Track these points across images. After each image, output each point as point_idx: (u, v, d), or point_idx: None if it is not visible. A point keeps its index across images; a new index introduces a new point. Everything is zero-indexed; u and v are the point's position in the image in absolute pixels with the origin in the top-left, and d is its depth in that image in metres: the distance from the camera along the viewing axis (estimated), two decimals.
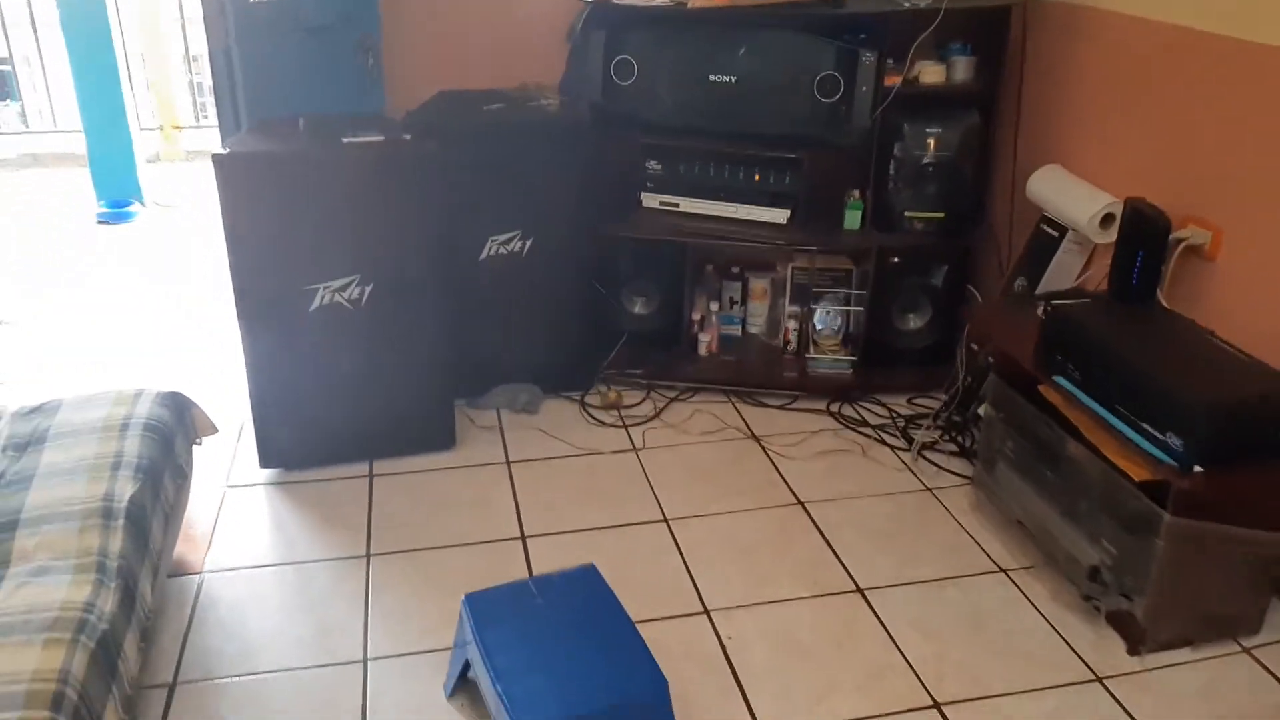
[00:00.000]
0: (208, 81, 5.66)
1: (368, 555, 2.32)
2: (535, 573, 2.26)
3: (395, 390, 2.61)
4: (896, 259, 2.95)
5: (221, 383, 2.98)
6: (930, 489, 2.61)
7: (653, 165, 2.91)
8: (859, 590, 2.23)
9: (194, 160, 5.36)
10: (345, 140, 2.38)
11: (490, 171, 2.70)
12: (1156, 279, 2.34)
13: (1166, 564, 1.93)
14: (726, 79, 2.79)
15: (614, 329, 3.08)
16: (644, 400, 3.02)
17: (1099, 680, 1.98)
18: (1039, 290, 2.75)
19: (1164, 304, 2.36)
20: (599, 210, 2.90)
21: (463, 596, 1.81)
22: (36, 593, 1.55)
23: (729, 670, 1.99)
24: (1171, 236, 2.33)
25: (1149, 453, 1.87)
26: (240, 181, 2.30)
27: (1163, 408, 1.83)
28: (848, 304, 3.13)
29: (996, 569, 2.31)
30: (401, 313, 2.52)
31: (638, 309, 3.14)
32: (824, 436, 2.85)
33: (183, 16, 5.49)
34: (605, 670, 1.66)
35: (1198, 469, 1.78)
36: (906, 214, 2.87)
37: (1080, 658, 2.04)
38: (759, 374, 3.09)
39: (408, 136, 2.45)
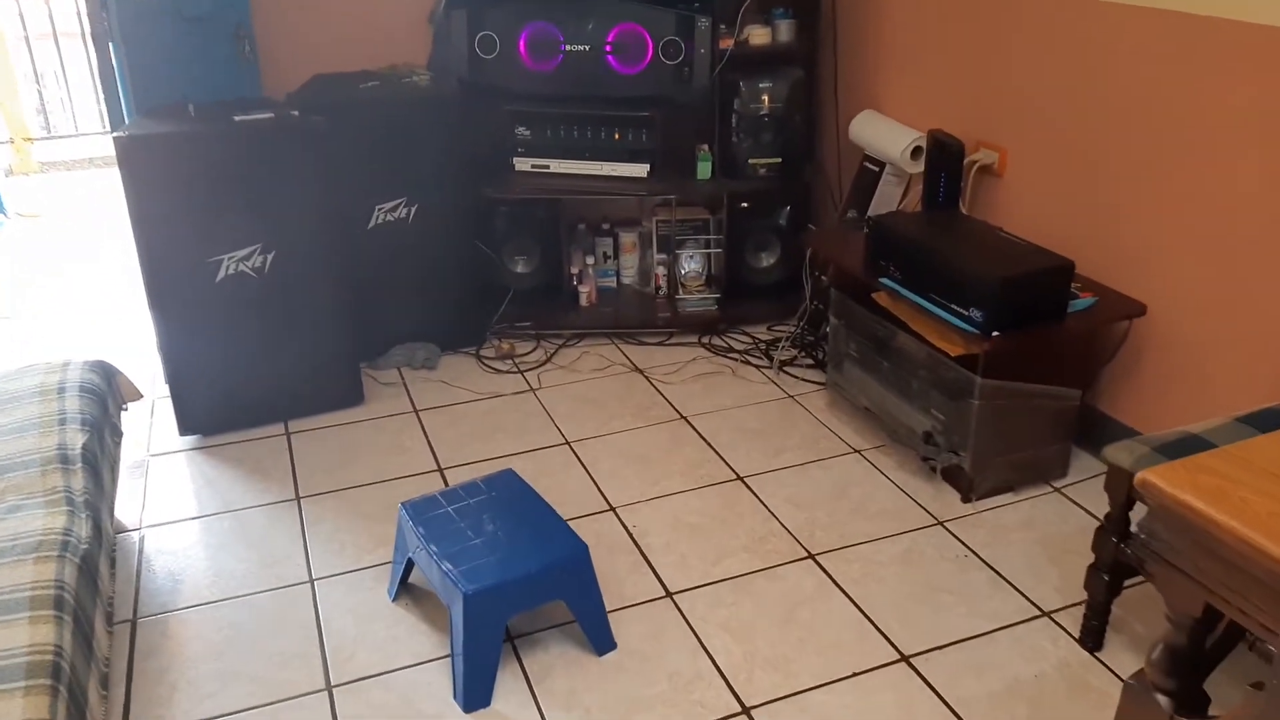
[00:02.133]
0: (55, 94, 5.61)
1: (297, 498, 2.52)
2: None
3: (303, 353, 2.80)
4: (744, 204, 3.32)
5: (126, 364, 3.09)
6: (792, 395, 3.00)
7: (522, 131, 3.19)
8: (739, 478, 2.58)
9: (48, 171, 5.30)
10: (237, 119, 2.56)
11: (371, 144, 2.92)
12: (957, 194, 2.79)
13: (981, 420, 2.35)
14: (581, 48, 3.09)
15: (501, 286, 3.35)
16: (535, 349, 3.30)
17: (940, 524, 2.40)
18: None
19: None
20: (477, 175, 3.16)
21: (399, 505, 2.06)
22: (15, 524, 1.71)
23: (636, 550, 2.31)
24: (967, 160, 2.78)
25: (960, 329, 2.28)
26: (141, 163, 2.45)
27: (965, 287, 2.25)
28: (708, 248, 3.49)
29: (851, 450, 2.71)
30: (302, 279, 2.72)
31: (520, 267, 3.41)
32: (698, 364, 3.20)
33: (26, 31, 5.42)
34: (533, 541, 1.95)
35: (995, 334, 2.20)
36: (750, 161, 3.24)
37: (924, 508, 2.45)
38: (636, 317, 3.42)
39: (295, 113, 2.64)
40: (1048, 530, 2.37)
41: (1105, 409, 2.58)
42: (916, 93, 3.09)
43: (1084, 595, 2.08)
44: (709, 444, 2.74)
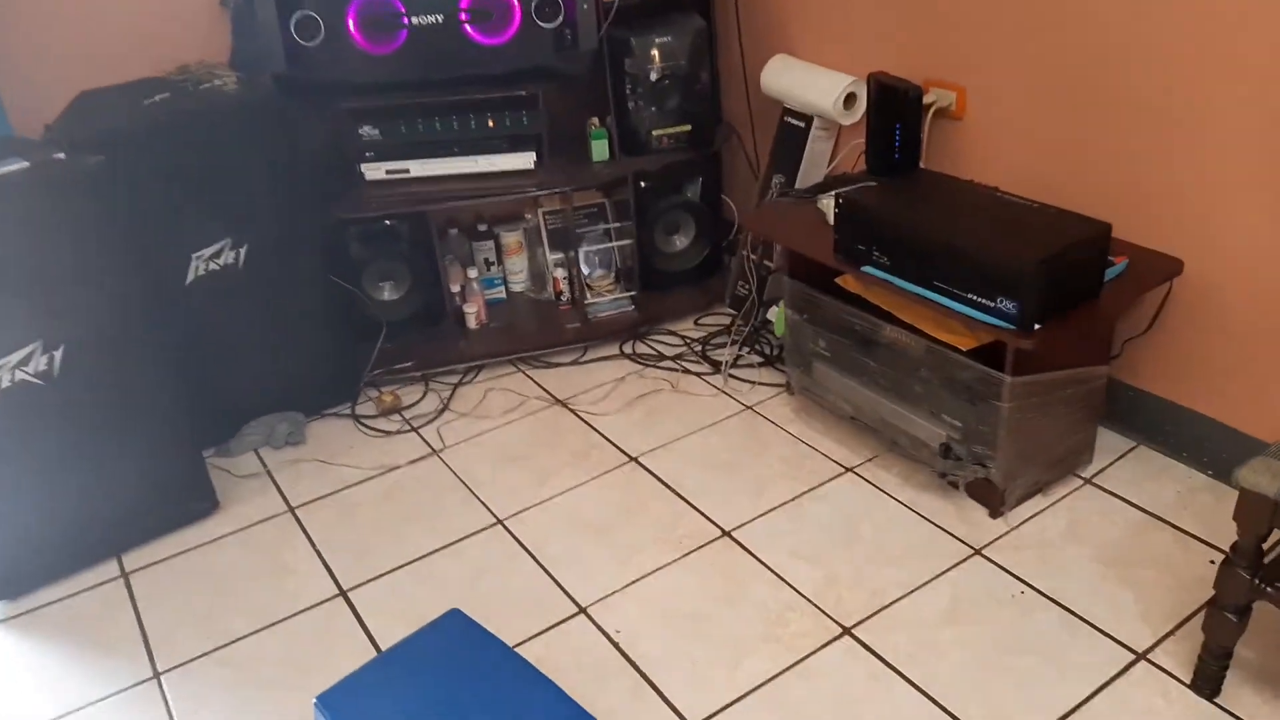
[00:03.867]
0: None
1: (156, 675, 1.86)
2: (374, 632, 1.92)
3: (124, 461, 2.11)
4: (644, 183, 2.78)
5: None
6: (750, 407, 2.51)
7: (368, 132, 2.52)
8: (725, 534, 2.09)
9: None
10: None
11: (172, 177, 2.20)
12: (919, 147, 2.34)
13: (1012, 423, 1.93)
14: (429, 19, 2.44)
15: (368, 324, 2.70)
16: (424, 395, 2.69)
17: (978, 553, 1.98)
18: (799, 183, 2.70)
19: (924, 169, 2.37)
20: (317, 195, 2.49)
21: (313, 700, 1.46)
22: None
23: (630, 666, 1.78)
24: None
25: (978, 320, 1.84)
26: None
27: (988, 274, 1.80)
28: (611, 239, 2.94)
29: (842, 469, 2.26)
30: (106, 370, 2.02)
31: (387, 295, 2.76)
32: (629, 383, 2.67)
33: None
34: None
35: (1037, 327, 1.77)
36: (654, 133, 2.70)
37: (952, 535, 2.03)
38: (540, 334, 2.84)
39: (61, 155, 1.91)
40: (1100, 539, 1.99)
41: (1128, 379, 2.22)
42: (841, 30, 2.60)
43: (1169, 621, 1.76)
44: (675, 493, 2.23)
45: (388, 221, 2.66)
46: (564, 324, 2.87)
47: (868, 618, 1.85)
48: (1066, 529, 2.02)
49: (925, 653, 1.76)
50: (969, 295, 1.85)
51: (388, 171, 2.57)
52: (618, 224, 2.94)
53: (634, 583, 1.98)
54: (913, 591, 1.90)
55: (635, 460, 2.35)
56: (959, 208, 1.99)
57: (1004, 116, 2.27)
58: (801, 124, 2.68)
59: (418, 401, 2.66)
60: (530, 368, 2.78)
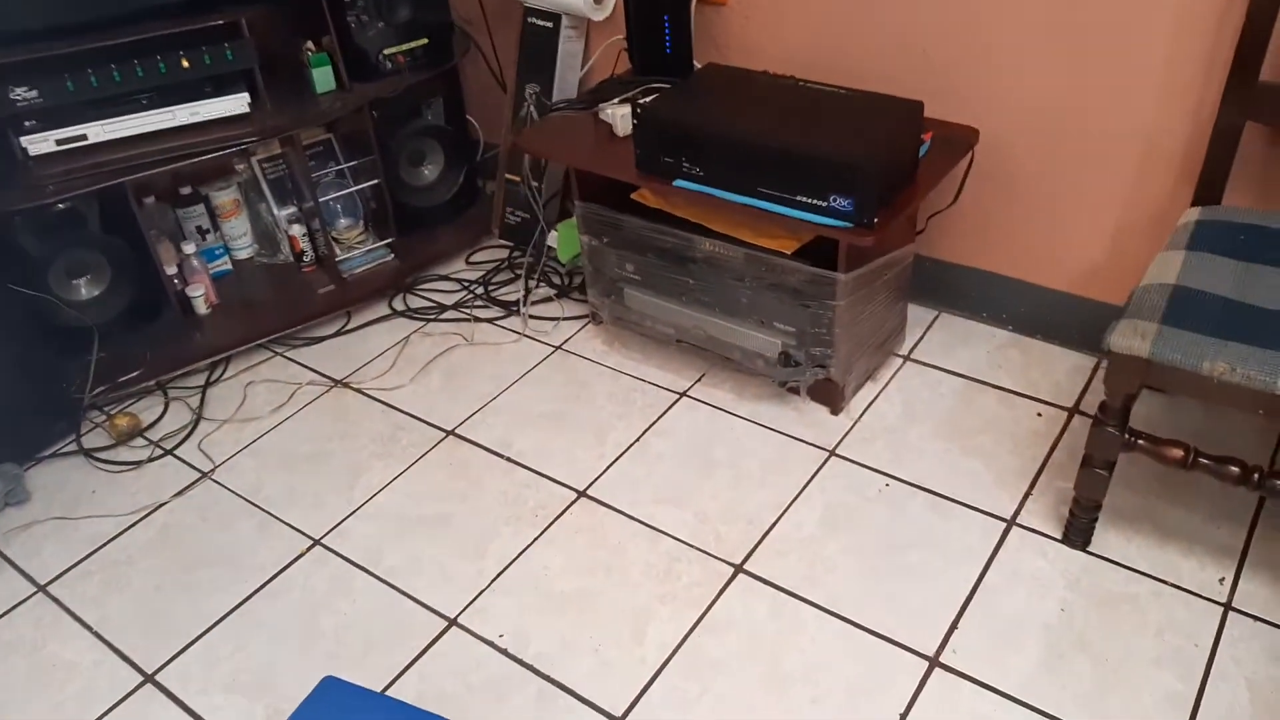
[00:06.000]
0: None
1: None
2: (207, 716, 1.57)
3: None
4: (375, 112, 2.40)
5: None
6: (559, 346, 2.31)
7: (23, 95, 1.95)
8: (582, 494, 1.91)
9: None
10: None
11: None
12: (690, 39, 2.18)
13: (845, 319, 1.89)
14: None
15: (73, 333, 2.17)
16: (167, 408, 2.23)
17: (834, 454, 1.95)
18: (557, 91, 2.45)
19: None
20: None
21: None
22: None
23: (528, 672, 1.59)
24: None
25: (810, 222, 1.75)
26: None
27: (819, 174, 1.70)
28: (349, 181, 2.55)
29: (676, 394, 2.14)
30: None
31: (85, 293, 2.23)
32: (415, 345, 2.36)
33: None
34: None
35: (875, 221, 1.70)
36: (384, 54, 2.32)
37: (804, 441, 1.99)
38: (290, 306, 2.43)
39: None
40: (935, 414, 2.02)
41: (927, 253, 2.25)
42: None
43: (1022, 481, 1.86)
44: (511, 460, 2.01)
45: (60, 206, 2.12)
46: (315, 289, 2.48)
47: (753, 550, 1.77)
48: (903, 411, 2.04)
49: (818, 570, 1.72)
50: (798, 198, 1.75)
51: (58, 142, 2.01)
52: (353, 163, 2.55)
53: (500, 575, 1.76)
54: (786, 511, 1.84)
55: (453, 434, 2.08)
56: (767, 104, 1.86)
57: None
58: (549, 24, 2.42)
59: (161, 417, 2.20)
60: (288, 348, 2.39)
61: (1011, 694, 1.49)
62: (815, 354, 1.96)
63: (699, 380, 2.17)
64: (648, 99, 2.05)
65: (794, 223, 1.76)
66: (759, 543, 1.78)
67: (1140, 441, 1.55)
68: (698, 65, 2.22)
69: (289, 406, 2.20)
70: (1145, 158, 1.87)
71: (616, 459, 1.98)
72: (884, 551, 1.74)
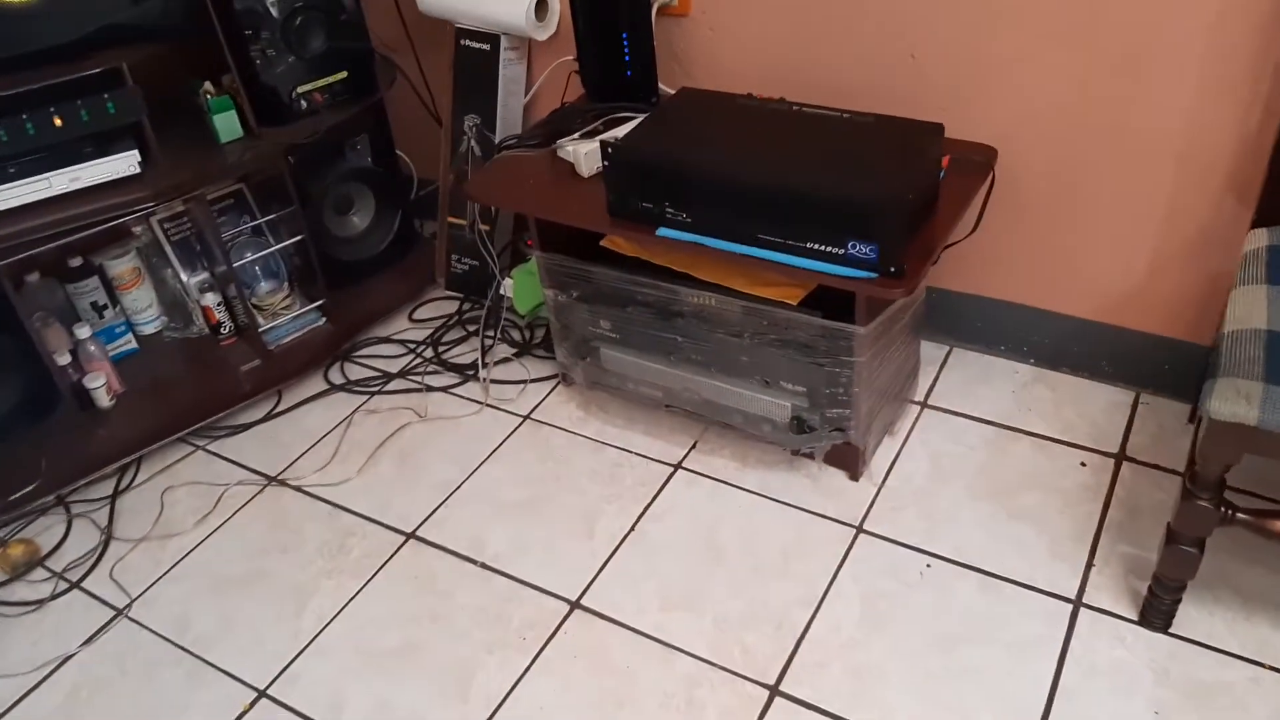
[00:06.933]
0: None
1: None
2: None
3: None
4: (292, 158, 2.07)
5: None
6: (528, 416, 2.01)
7: None
8: (575, 604, 1.62)
9: None
10: None
11: None
12: (654, 58, 1.89)
13: (865, 374, 1.63)
14: None
15: None
16: (70, 527, 1.88)
17: (861, 530, 1.70)
18: (501, 122, 2.15)
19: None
20: None
21: None
22: None
23: None
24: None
25: (820, 273, 1.48)
26: None
27: (832, 216, 1.43)
28: (269, 236, 2.22)
29: (670, 466, 1.86)
30: None
31: None
32: (359, 425, 2.04)
33: None
34: None
35: (904, 266, 1.44)
36: (298, 91, 1.99)
37: (824, 516, 1.73)
38: (208, 389, 2.09)
39: None
40: (964, 469, 1.77)
41: (936, 284, 2.00)
42: None
43: (1079, 549, 1.62)
44: (487, 567, 1.70)
45: None
46: (237, 366, 2.14)
47: (788, 664, 1.50)
48: (930, 469, 1.79)
49: (867, 682, 1.46)
50: (808, 245, 1.48)
51: None
52: (270, 216, 2.22)
53: (505, 700, 1.46)
54: (819, 609, 1.58)
55: (414, 536, 1.78)
56: (759, 135, 1.59)
57: (726, 4, 1.88)
58: (485, 46, 2.11)
59: (63, 540, 1.85)
60: (211, 440, 2.05)
61: None
62: (831, 416, 1.69)
63: (694, 447, 1.89)
64: (615, 132, 1.76)
65: (801, 272, 1.50)
66: (793, 654, 1.51)
67: (1240, 515, 1.32)
68: (664, 88, 1.94)
69: (216, 515, 1.87)
70: (1181, 168, 1.64)
71: (611, 555, 1.70)
72: (938, 651, 1.49)
